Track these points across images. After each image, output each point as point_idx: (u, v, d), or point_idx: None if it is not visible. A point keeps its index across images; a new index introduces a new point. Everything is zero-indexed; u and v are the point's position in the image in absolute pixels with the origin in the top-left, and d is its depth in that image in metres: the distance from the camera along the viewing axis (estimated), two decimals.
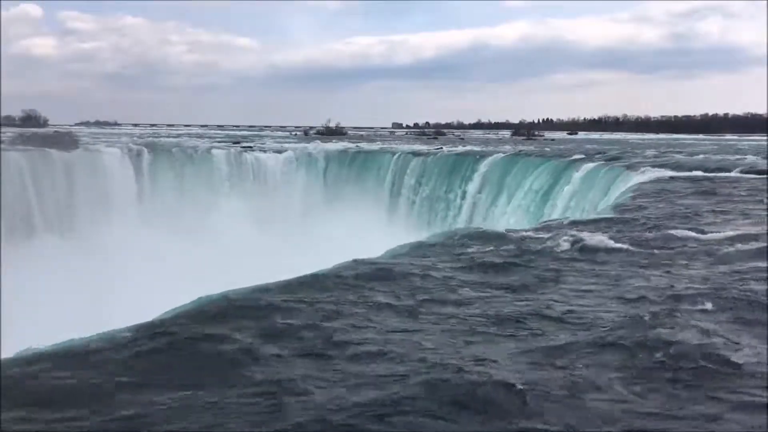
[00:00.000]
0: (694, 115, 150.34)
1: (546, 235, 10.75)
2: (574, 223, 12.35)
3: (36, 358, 5.18)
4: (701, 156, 33.12)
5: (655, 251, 9.68)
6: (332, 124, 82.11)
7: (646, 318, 6.34)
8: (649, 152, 36.86)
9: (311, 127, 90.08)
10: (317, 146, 46.23)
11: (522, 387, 4.67)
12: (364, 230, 31.89)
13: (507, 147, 44.77)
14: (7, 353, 5.25)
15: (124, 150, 38.22)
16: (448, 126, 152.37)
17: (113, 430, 4.16)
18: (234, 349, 5.48)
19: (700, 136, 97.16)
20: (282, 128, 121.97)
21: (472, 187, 34.85)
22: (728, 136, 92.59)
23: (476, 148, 42.63)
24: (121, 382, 4.85)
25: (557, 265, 8.91)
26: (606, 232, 11.06)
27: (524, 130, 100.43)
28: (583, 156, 32.45)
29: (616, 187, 22.47)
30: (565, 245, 10.05)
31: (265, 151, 43.32)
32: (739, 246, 9.89)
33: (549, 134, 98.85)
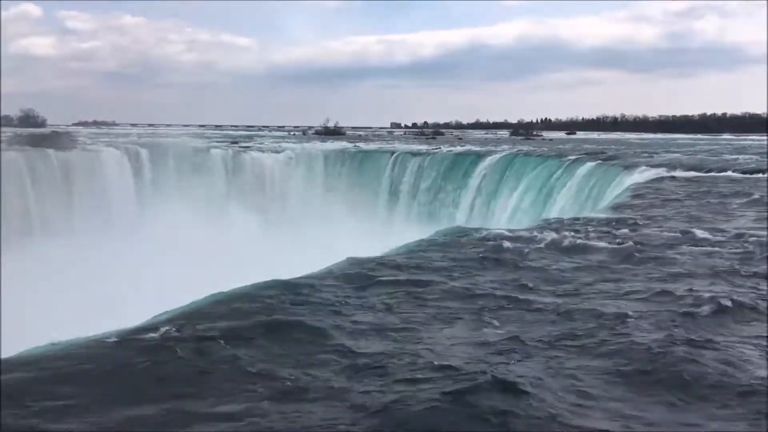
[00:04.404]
0: (693, 115, 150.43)
1: (543, 234, 10.76)
2: (572, 222, 12.36)
3: (36, 358, 5.19)
4: (699, 156, 33.21)
5: (653, 250, 9.69)
6: (330, 124, 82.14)
7: (641, 316, 6.36)
8: (647, 152, 36.89)
9: (310, 127, 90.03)
10: (315, 146, 46.26)
11: (515, 385, 4.69)
12: (362, 229, 31.89)
13: (505, 147, 44.74)
14: (7, 353, 5.25)
15: (122, 150, 38.16)
16: (447, 126, 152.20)
17: (113, 430, 4.17)
18: (234, 349, 5.49)
19: (699, 135, 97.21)
20: (280, 128, 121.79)
21: (470, 186, 34.88)
22: (726, 136, 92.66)
23: (475, 148, 42.64)
24: (119, 382, 4.86)
25: (554, 264, 8.92)
26: (604, 231, 11.08)
27: (522, 130, 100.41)
28: (581, 155, 32.50)
29: (614, 187, 22.50)
30: (562, 244, 10.07)
31: (263, 151, 43.27)
32: (736, 244, 9.91)
33: (547, 134, 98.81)
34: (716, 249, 9.71)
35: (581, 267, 8.80)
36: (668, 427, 4.28)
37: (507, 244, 10.21)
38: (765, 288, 7.44)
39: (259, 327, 6.00)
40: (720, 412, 4.48)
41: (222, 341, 5.60)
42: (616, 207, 14.98)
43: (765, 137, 67.54)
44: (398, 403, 4.42)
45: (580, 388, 4.77)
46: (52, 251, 27.74)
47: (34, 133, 44.70)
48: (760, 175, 21.06)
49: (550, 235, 10.65)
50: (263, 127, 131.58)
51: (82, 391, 4.66)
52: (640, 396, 4.71)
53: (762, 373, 5.07)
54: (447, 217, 34.31)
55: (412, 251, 9.69)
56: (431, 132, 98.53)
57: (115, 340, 5.57)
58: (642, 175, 22.79)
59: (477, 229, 11.89)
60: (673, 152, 37.12)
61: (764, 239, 10.10)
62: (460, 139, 73.15)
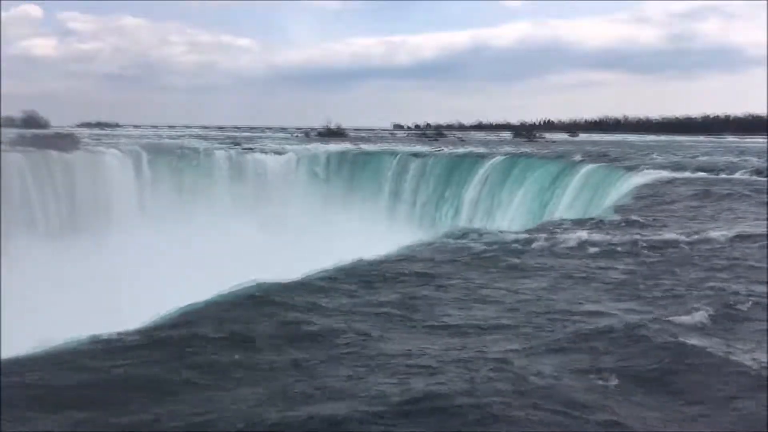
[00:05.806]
0: (695, 116, 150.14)
1: (545, 236, 10.76)
2: (574, 224, 12.35)
3: (36, 358, 5.19)
4: (701, 157, 33.20)
5: (654, 252, 9.68)
6: (332, 125, 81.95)
7: (642, 318, 6.34)
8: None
9: (312, 128, 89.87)
10: (318, 147, 46.31)
11: (512, 388, 4.68)
12: (364, 231, 31.89)
13: (508, 148, 44.73)
14: (7, 353, 5.25)
15: (124, 151, 38.23)
16: (449, 127, 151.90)
17: (111, 430, 4.17)
18: (234, 350, 5.49)
19: (701, 137, 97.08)
20: (283, 129, 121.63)
21: (472, 188, 34.85)
22: (729, 138, 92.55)
23: (477, 150, 42.62)
24: (119, 383, 4.86)
25: (555, 266, 8.91)
26: (606, 233, 11.07)
27: (525, 131, 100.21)
28: (584, 157, 32.48)
29: (617, 188, 22.46)
30: (564, 246, 10.06)
31: (265, 153, 43.31)
32: (737, 246, 9.90)
33: (550, 135, 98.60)
34: (717, 250, 9.69)
35: (582, 268, 8.78)
36: (665, 422, 4.27)
37: (509, 246, 10.21)
38: (764, 289, 7.42)
39: (258, 328, 6.00)
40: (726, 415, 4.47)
41: (222, 342, 5.60)
42: (619, 208, 14.97)
43: (767, 139, 67.37)
44: (389, 404, 4.42)
45: (581, 389, 4.76)
46: (53, 252, 27.80)
47: (38, 134, 44.76)
48: (761, 177, 21.03)
49: (552, 237, 10.64)
50: (266, 128, 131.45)
51: (82, 392, 4.66)
52: (639, 395, 4.70)
53: (758, 374, 5.05)
54: (449, 219, 34.29)
55: (414, 253, 9.68)
56: (433, 133, 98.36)
57: (115, 340, 5.57)
58: (644, 176, 22.76)
59: (479, 231, 11.87)
60: (675, 153, 37.10)
61: (765, 240, 10.08)
62: (463, 140, 72.98)
